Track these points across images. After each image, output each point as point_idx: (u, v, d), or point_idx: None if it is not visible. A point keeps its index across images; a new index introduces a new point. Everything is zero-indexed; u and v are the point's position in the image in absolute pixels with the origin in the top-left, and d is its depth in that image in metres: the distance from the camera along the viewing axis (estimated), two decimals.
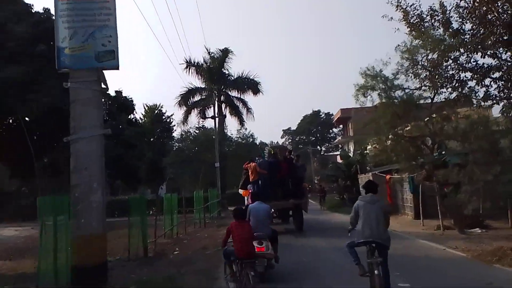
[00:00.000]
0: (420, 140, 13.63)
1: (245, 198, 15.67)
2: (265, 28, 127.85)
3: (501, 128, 11.66)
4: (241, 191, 16.60)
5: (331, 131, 74.84)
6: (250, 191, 15.00)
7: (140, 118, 35.96)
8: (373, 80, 13.45)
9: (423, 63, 12.68)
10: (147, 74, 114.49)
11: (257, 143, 35.91)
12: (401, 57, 13.04)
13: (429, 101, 13.53)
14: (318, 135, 73.48)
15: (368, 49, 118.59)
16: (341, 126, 73.14)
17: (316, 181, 69.48)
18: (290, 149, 19.19)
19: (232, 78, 33.44)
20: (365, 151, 25.51)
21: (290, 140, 76.64)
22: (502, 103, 11.66)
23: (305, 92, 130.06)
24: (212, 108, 30.81)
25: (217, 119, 30.11)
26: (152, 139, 35.57)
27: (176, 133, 36.60)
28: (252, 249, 6.94)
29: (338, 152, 74.20)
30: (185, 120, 32.86)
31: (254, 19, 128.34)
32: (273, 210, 12.82)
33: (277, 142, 68.75)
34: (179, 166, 32.48)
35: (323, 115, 74.09)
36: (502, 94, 11.74)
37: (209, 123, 34.44)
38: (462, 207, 12.13)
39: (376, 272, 5.83)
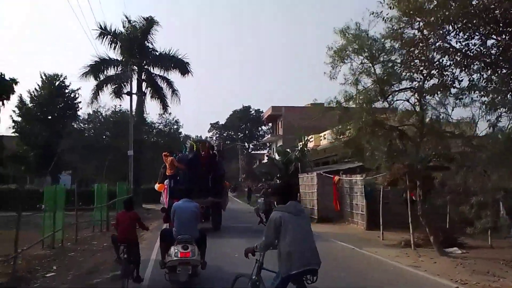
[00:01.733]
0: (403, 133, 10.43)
1: (161, 193, 15.00)
2: (198, 11, 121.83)
3: None
4: (157, 186, 15.89)
5: (260, 128, 72.17)
6: (165, 186, 14.40)
7: (35, 89, 29.20)
8: (355, 41, 9.88)
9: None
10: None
11: (181, 134, 31.07)
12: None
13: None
14: (247, 131, 70.31)
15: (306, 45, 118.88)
16: (270, 124, 71.03)
17: (241, 179, 66.68)
18: (212, 144, 17.69)
19: (157, 54, 28.49)
20: (305, 148, 22.43)
21: (217, 135, 72.51)
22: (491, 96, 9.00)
23: (236, 86, 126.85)
24: (129, 86, 25.53)
25: (134, 97, 24.95)
26: (50, 117, 28.99)
27: (83, 112, 30.13)
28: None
29: (265, 151, 72.08)
30: (94, 97, 27.20)
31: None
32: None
33: (205, 137, 64.38)
34: (83, 153, 26.37)
35: (253, 112, 71.11)
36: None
37: (127, 105, 29.05)
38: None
39: None
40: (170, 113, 30.00)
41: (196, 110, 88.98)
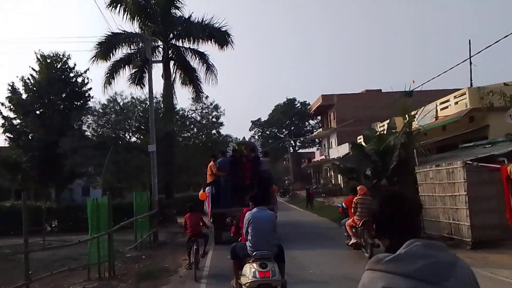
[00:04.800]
0: None
1: (204, 202, 13.89)
2: None
3: None
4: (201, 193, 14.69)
5: (307, 123, 64.39)
6: (207, 194, 13.44)
7: (29, 76, 22.28)
8: None
9: None
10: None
11: (222, 124, 23.84)
12: None
13: None
14: (292, 127, 62.70)
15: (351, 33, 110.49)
16: (319, 117, 63.04)
17: (287, 181, 59.39)
18: (255, 145, 15.75)
19: (186, 21, 21.63)
20: (417, 127, 14.71)
21: (260, 133, 65.41)
22: None
23: (280, 78, 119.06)
24: (150, 65, 18.69)
25: (160, 79, 18.11)
26: (44, 110, 22.03)
27: (95, 103, 22.94)
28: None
29: (315, 149, 64.35)
30: (108, 81, 20.69)
31: None
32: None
33: (249, 138, 57.38)
34: (94, 155, 19.68)
35: (298, 105, 63.44)
36: None
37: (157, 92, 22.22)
38: None
39: None
40: (207, 96, 22.98)
41: (235, 107, 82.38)
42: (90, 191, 34.33)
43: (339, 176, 47.88)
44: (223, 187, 13.31)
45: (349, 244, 10.38)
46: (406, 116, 14.57)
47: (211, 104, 23.12)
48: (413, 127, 14.48)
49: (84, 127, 22.19)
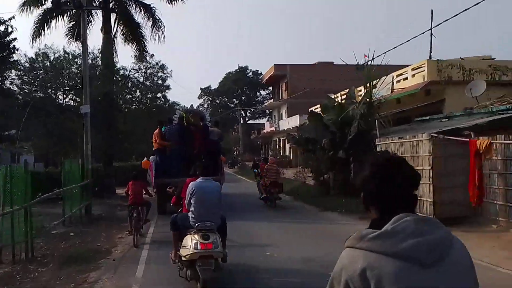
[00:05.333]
0: None
1: (148, 171, 13.29)
2: None
3: None
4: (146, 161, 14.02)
5: (258, 93, 63.18)
6: (151, 162, 12.97)
7: None
8: None
9: None
10: None
11: (169, 87, 21.71)
12: None
13: None
14: (243, 97, 61.19)
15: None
16: (270, 88, 62.01)
17: (236, 152, 58.43)
18: (204, 114, 14.85)
19: None
20: (375, 98, 13.99)
21: (209, 102, 63.28)
22: None
23: (233, 44, 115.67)
24: (84, 12, 16.23)
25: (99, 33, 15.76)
26: None
27: (21, 55, 19.27)
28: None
29: (265, 120, 63.46)
30: (37, 32, 17.91)
31: None
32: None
33: (196, 106, 54.82)
34: (19, 116, 17.01)
35: (250, 74, 61.82)
36: None
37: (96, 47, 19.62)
38: None
39: None
40: (152, 55, 20.77)
41: (184, 72, 78.90)
42: (21, 159, 31.05)
43: (288, 147, 47.97)
44: (169, 156, 12.70)
45: (260, 198, 14.09)
46: (368, 85, 13.75)
47: (157, 64, 20.86)
48: (372, 98, 13.72)
49: (8, 84, 19.22)
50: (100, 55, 19.28)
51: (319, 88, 47.69)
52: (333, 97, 18.58)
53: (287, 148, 48.19)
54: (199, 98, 62.44)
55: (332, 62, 50.21)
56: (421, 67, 16.56)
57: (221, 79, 61.70)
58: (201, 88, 62.72)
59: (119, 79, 20.08)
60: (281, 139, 50.24)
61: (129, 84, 20.61)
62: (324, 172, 15.06)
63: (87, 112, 13.04)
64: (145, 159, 13.53)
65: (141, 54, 20.25)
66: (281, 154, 48.00)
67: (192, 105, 16.54)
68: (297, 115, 43.35)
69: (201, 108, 36.11)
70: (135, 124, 20.46)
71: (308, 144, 15.61)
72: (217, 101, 63.07)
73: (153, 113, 20.52)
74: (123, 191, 11.83)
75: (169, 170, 12.09)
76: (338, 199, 13.63)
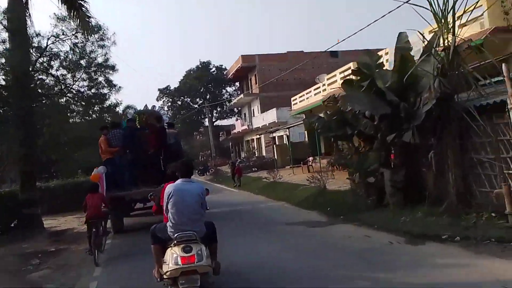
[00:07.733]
0: None
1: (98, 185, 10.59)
2: None
3: None
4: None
5: (224, 91, 57.25)
6: (100, 175, 10.59)
7: None
8: None
9: None
10: None
11: (116, 69, 14.94)
12: None
13: None
14: (207, 96, 54.89)
15: None
16: (237, 84, 56.12)
17: (203, 157, 52.22)
18: (160, 115, 13.03)
19: None
20: (460, 40, 8.53)
21: (170, 103, 56.49)
22: None
23: (191, 39, 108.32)
24: None
25: None
26: None
27: None
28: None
29: (234, 120, 57.27)
30: None
31: None
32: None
33: (152, 106, 48.06)
34: None
35: (213, 69, 55.72)
36: None
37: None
38: None
39: None
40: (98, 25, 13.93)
41: (140, 74, 71.16)
42: None
43: (265, 146, 42.41)
44: (120, 165, 11.27)
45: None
46: (443, 21, 8.35)
47: (93, 26, 13.57)
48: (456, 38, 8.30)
49: None
50: (3, 15, 12.42)
51: (293, 78, 43.10)
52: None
53: (264, 147, 42.78)
54: (157, 100, 55.58)
55: (302, 51, 45.71)
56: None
57: (182, 77, 55.17)
58: (159, 89, 55.82)
59: (34, 53, 13.29)
60: (255, 138, 44.73)
61: (48, 61, 13.65)
62: (373, 170, 9.47)
63: None
64: (95, 171, 11.11)
65: (84, 22, 13.18)
66: (256, 155, 42.51)
67: (146, 105, 13.68)
68: (274, 109, 38.01)
69: (156, 108, 29.86)
70: (67, 125, 13.99)
71: (341, 129, 10.01)
72: (179, 102, 56.41)
73: (95, 112, 14.29)
74: (59, 220, 9.66)
75: (121, 181, 10.92)
76: (412, 213, 8.10)
